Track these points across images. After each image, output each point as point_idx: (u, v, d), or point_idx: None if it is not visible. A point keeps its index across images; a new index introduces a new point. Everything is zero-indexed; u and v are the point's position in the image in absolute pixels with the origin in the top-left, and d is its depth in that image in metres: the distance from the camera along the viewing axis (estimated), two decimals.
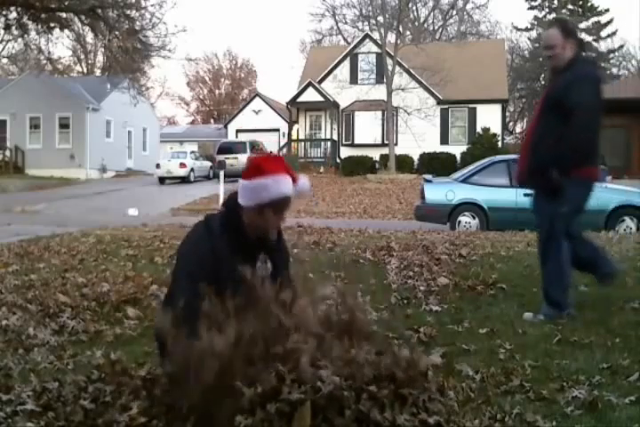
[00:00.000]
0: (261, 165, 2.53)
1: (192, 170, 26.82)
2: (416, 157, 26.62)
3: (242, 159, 23.63)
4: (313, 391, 1.92)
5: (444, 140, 28.22)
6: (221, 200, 11.36)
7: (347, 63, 29.62)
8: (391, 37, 28.88)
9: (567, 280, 3.95)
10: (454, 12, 42.43)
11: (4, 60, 37.83)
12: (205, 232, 2.51)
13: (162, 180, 26.34)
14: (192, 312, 2.21)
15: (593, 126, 3.91)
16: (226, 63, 57.54)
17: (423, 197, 11.30)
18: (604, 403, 2.53)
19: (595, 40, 43.33)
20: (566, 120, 3.79)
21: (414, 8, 39.93)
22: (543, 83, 40.75)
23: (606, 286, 4.25)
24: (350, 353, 2.06)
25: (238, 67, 57.60)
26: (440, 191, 11.10)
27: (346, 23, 36.05)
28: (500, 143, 26.58)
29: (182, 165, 26.44)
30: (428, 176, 12.08)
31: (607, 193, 10.17)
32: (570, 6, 43.22)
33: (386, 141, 26.72)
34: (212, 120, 54.74)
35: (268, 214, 2.51)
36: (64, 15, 14.63)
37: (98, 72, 39.73)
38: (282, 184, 2.49)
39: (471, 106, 28.02)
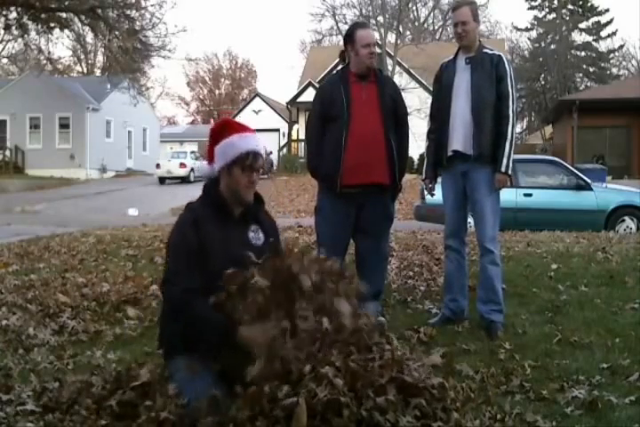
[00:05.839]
0: (226, 126, 2.53)
1: (192, 170, 26.74)
2: (416, 157, 26.59)
3: None
4: (310, 396, 1.89)
5: None
6: None
7: None
8: (391, 37, 28.90)
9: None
10: None
11: (4, 60, 37.83)
12: (187, 212, 2.48)
13: (162, 180, 26.32)
14: (190, 306, 2.26)
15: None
16: (226, 63, 57.57)
17: (423, 197, 11.28)
18: (604, 403, 2.53)
19: (595, 40, 43.32)
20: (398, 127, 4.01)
21: (414, 8, 39.87)
22: (543, 83, 40.73)
23: None
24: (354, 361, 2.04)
25: (238, 67, 57.58)
26: (440, 191, 11.07)
27: (346, 23, 35.91)
28: None
29: (182, 165, 26.42)
30: None
31: (607, 193, 10.16)
32: (570, 6, 43.19)
33: None
34: (211, 120, 54.67)
35: (237, 172, 2.44)
36: (64, 15, 14.59)
37: (98, 72, 39.64)
38: (248, 139, 2.48)
39: None
